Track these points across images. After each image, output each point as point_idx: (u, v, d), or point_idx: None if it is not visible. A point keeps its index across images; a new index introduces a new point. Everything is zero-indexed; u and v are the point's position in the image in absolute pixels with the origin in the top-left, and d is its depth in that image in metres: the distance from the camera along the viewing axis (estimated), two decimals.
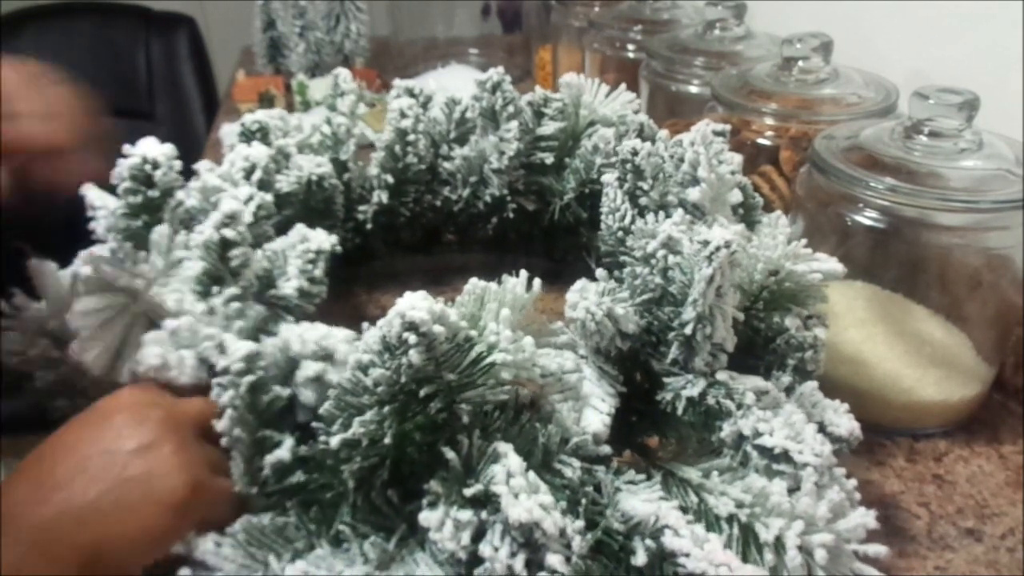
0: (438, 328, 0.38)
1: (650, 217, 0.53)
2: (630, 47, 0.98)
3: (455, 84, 0.74)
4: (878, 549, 0.39)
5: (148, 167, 0.58)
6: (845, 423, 0.45)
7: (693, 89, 0.83)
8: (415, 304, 0.38)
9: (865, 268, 0.61)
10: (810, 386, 0.46)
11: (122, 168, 0.58)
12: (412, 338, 0.38)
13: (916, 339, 0.60)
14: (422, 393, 0.40)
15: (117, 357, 0.48)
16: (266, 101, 1.18)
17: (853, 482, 0.42)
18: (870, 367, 0.59)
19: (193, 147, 1.29)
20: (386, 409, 0.40)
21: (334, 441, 0.41)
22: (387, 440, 0.40)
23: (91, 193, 0.61)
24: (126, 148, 0.59)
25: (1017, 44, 0.64)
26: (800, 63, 0.72)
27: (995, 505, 0.53)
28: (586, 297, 0.45)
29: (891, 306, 0.62)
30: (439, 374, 0.40)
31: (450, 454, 0.40)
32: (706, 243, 0.43)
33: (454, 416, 0.42)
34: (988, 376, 0.60)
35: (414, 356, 0.38)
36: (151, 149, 0.59)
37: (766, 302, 0.49)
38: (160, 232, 0.54)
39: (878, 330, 0.60)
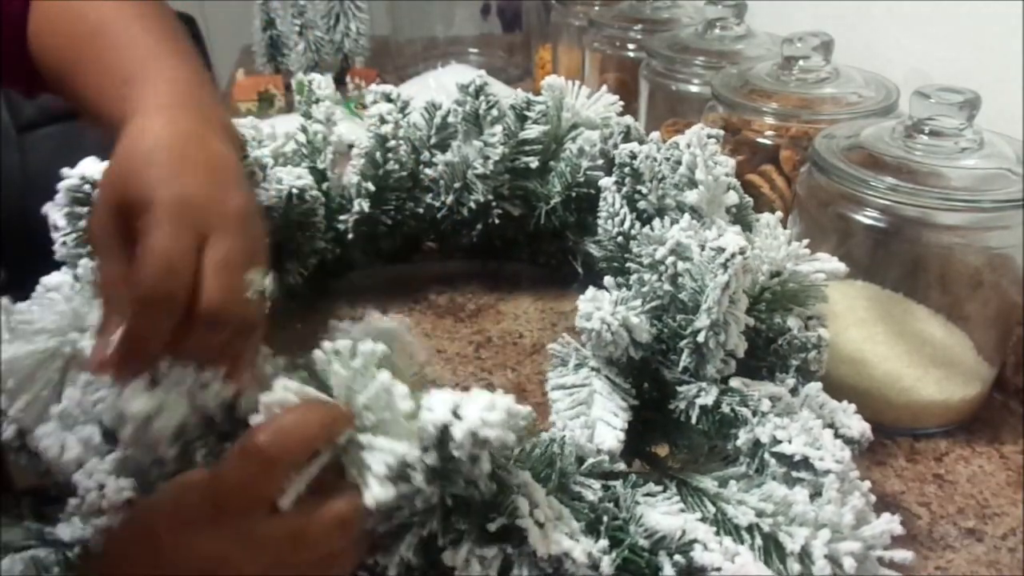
0: (510, 437, 0.35)
1: (656, 223, 0.52)
2: (630, 46, 0.98)
3: (454, 84, 0.74)
4: (904, 555, 0.39)
5: (88, 188, 0.53)
6: (856, 424, 0.44)
7: (693, 88, 0.83)
8: (488, 420, 0.34)
9: (866, 268, 0.61)
10: (815, 387, 0.46)
11: (61, 192, 0.53)
12: (485, 455, 0.35)
13: (917, 339, 0.60)
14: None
15: (46, 407, 0.43)
16: (266, 101, 1.18)
17: (867, 484, 0.42)
18: (871, 367, 0.59)
19: None
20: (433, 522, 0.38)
21: (391, 572, 0.39)
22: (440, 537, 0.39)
23: (53, 214, 0.56)
24: (64, 171, 0.53)
25: (1017, 44, 0.64)
26: (800, 62, 0.72)
27: (996, 505, 0.53)
28: (600, 307, 0.45)
29: (892, 306, 0.62)
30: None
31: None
32: (720, 250, 0.43)
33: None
34: (989, 376, 0.60)
35: (485, 466, 0.36)
36: (89, 168, 0.53)
37: (768, 303, 0.49)
38: (86, 265, 0.48)
39: (879, 330, 0.60)
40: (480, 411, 0.34)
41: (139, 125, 0.43)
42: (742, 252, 0.43)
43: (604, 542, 0.39)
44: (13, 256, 0.83)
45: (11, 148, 1.13)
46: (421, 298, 0.76)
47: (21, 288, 0.50)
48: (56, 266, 0.57)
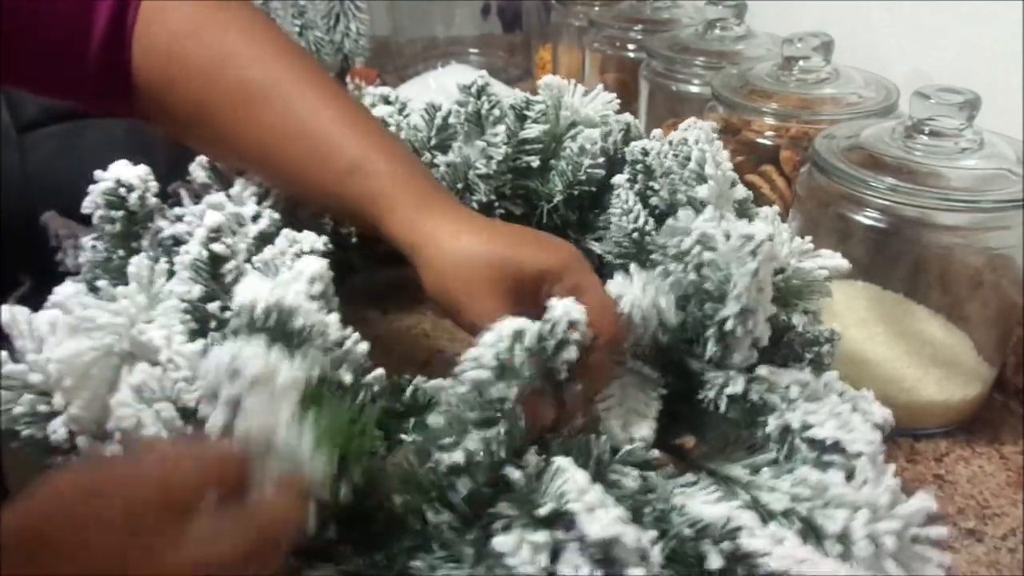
0: (588, 334, 0.41)
1: (681, 213, 0.52)
2: (630, 46, 0.98)
3: (455, 84, 0.74)
4: (940, 531, 0.38)
5: (123, 191, 0.53)
6: (877, 411, 0.44)
7: (694, 89, 0.83)
8: (569, 306, 0.40)
9: (866, 268, 0.61)
10: (832, 375, 0.46)
11: (95, 195, 0.53)
12: (575, 335, 0.40)
13: (917, 339, 0.60)
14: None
15: (104, 407, 0.42)
16: None
17: (892, 467, 0.41)
18: (871, 367, 0.59)
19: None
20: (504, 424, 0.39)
21: (449, 457, 0.38)
22: (503, 454, 0.39)
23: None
24: (97, 173, 0.53)
25: (1017, 44, 0.64)
26: (800, 62, 0.72)
27: (996, 505, 0.53)
28: (630, 289, 0.45)
29: (892, 306, 0.62)
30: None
31: (515, 474, 0.38)
32: (749, 237, 0.43)
33: None
34: (989, 376, 0.60)
35: (572, 352, 0.40)
36: (124, 172, 0.53)
37: (772, 300, 0.49)
38: (139, 263, 0.48)
39: (879, 330, 0.60)
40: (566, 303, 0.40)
41: (440, 240, 0.50)
42: (770, 238, 0.43)
43: (653, 532, 0.38)
44: (13, 256, 0.83)
45: (11, 148, 1.13)
46: (422, 299, 0.76)
47: (20, 287, 0.50)
48: (58, 265, 0.57)
